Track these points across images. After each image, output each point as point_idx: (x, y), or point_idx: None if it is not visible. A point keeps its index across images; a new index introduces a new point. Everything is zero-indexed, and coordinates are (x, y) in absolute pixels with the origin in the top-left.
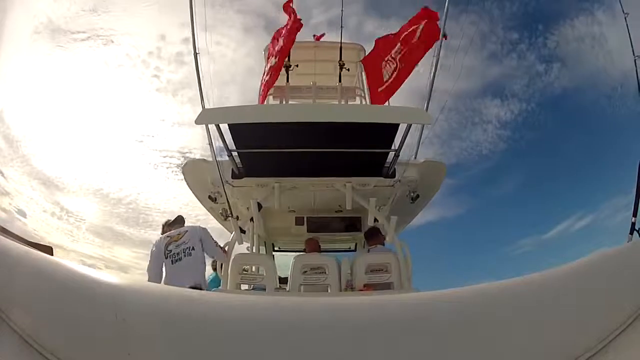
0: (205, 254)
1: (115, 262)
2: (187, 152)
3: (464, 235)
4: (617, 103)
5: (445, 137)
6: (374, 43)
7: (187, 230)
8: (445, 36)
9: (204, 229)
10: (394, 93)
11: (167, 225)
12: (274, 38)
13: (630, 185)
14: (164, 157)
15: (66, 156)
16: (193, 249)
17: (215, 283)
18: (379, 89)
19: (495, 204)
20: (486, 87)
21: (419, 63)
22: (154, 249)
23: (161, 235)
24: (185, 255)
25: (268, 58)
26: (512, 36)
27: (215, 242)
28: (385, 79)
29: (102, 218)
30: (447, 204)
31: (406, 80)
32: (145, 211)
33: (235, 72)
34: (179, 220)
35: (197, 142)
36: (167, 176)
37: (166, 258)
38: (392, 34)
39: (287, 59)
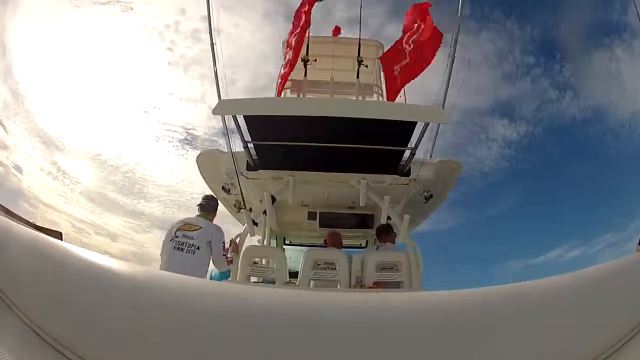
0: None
1: (105, 229)
2: (190, 129)
3: (454, 249)
4: (624, 140)
5: (450, 150)
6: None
7: (201, 227)
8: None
9: (218, 232)
10: (401, 88)
11: (198, 205)
12: (291, 32)
13: (625, 223)
14: (167, 130)
15: (70, 117)
16: (198, 248)
17: (225, 274)
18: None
19: (490, 222)
20: (496, 105)
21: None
22: (169, 228)
23: (178, 219)
24: (187, 252)
25: (286, 51)
26: (529, 60)
27: (225, 250)
28: (395, 73)
29: (98, 183)
30: (442, 216)
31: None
32: (141, 182)
33: (249, 56)
34: (206, 207)
35: (201, 120)
36: (168, 150)
37: (171, 240)
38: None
39: (305, 52)
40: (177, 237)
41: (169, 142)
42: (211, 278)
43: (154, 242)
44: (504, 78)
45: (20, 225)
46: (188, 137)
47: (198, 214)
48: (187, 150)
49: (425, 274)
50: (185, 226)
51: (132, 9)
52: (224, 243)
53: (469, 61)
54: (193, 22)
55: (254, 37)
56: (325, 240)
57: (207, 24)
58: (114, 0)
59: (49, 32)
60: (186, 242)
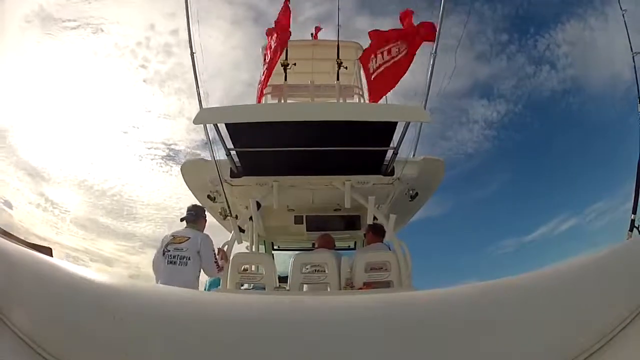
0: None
1: (99, 254)
2: (172, 144)
3: (447, 234)
4: (605, 107)
5: (430, 136)
6: (365, 39)
7: (189, 238)
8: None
9: (206, 241)
10: (387, 92)
11: (182, 219)
12: (268, 36)
13: (614, 190)
14: (149, 148)
15: (52, 146)
16: (189, 259)
17: (216, 283)
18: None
19: (479, 204)
20: (474, 87)
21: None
22: (160, 243)
23: (167, 234)
24: (180, 264)
25: (264, 57)
26: (502, 37)
27: (215, 256)
28: (371, 70)
29: (87, 210)
30: (431, 202)
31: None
32: (129, 203)
33: (222, 65)
34: (194, 218)
35: (182, 135)
36: (152, 168)
37: (163, 255)
38: (384, 31)
39: (285, 57)
40: (169, 251)
41: (152, 159)
42: (205, 288)
43: (148, 263)
44: (479, 58)
45: (10, 242)
46: (170, 153)
47: (185, 226)
48: (171, 166)
49: (425, 265)
50: (174, 239)
51: (102, 30)
52: (213, 250)
53: (454, 67)
54: (163, 37)
55: (225, 45)
56: (313, 244)
57: (187, 34)
58: (83, 23)
59: (24, 63)
60: (178, 254)
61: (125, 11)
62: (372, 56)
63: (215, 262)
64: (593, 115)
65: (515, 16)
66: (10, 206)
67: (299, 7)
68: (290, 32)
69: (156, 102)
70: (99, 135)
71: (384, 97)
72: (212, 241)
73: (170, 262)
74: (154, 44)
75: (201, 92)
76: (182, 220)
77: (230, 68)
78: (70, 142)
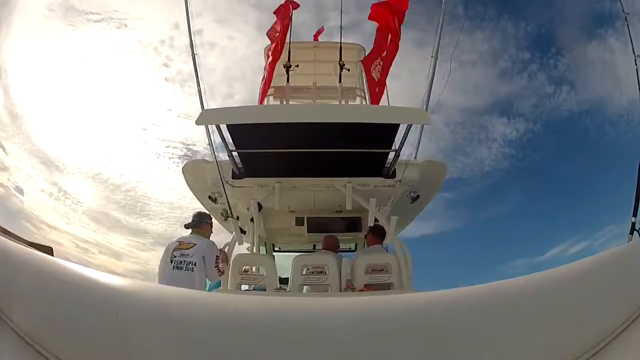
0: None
1: (109, 248)
2: (190, 144)
3: (460, 250)
4: (622, 130)
5: (449, 151)
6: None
7: (195, 245)
8: None
9: (211, 247)
10: (383, 89)
11: (185, 226)
12: (271, 38)
13: (627, 214)
14: (167, 147)
15: (68, 137)
16: (195, 264)
17: (217, 284)
18: (376, 89)
19: (494, 222)
20: (495, 104)
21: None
22: (165, 248)
23: (174, 239)
24: (186, 269)
25: (267, 58)
26: (525, 56)
27: (217, 263)
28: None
29: (100, 203)
30: (446, 218)
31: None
32: (143, 200)
33: (245, 68)
34: (195, 223)
35: (201, 135)
36: (169, 166)
37: (170, 261)
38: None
39: (287, 59)
40: (175, 257)
41: (170, 158)
42: (206, 289)
43: (158, 260)
44: (501, 76)
45: (11, 241)
46: (188, 153)
47: (190, 232)
48: None
49: (432, 274)
50: (181, 245)
51: (126, 26)
52: (217, 257)
53: (450, 70)
54: (187, 37)
55: (249, 50)
56: (314, 245)
57: (192, 35)
58: (107, 17)
59: (44, 51)
60: (184, 260)
61: (150, 8)
62: (373, 63)
63: (217, 266)
64: (610, 137)
65: (538, 35)
66: (21, 192)
67: (323, 17)
68: (290, 21)
69: (177, 102)
70: (117, 129)
71: (386, 99)
72: (216, 248)
73: (177, 268)
74: (177, 43)
75: (203, 94)
76: (186, 227)
77: (253, 73)
78: (87, 134)
